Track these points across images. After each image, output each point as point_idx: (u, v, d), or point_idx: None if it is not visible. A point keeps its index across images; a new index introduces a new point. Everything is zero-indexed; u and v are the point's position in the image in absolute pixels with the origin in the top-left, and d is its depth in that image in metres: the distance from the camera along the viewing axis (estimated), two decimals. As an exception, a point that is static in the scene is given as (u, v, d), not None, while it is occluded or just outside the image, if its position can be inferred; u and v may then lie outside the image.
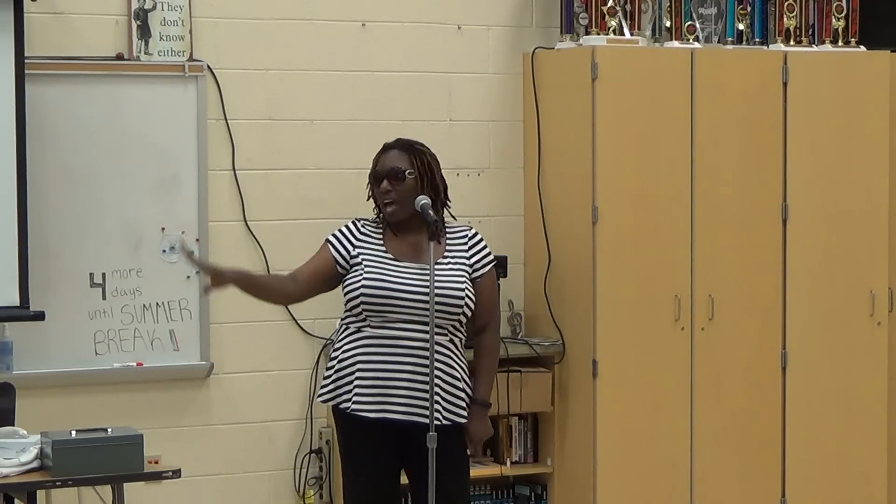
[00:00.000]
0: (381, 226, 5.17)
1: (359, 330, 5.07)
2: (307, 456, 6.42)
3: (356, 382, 5.03)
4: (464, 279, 5.08)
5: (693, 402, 6.46)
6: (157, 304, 6.16)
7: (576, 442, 6.44)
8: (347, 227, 5.20)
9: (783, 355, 6.62)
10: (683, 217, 6.43)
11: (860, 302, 6.73)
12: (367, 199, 5.24)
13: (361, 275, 5.05)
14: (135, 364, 6.12)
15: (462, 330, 5.15)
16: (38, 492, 5.16)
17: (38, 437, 5.00)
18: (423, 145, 5.25)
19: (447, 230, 5.18)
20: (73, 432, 4.96)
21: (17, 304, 5.77)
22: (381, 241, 5.13)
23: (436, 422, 4.95)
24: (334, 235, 5.19)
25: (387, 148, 5.22)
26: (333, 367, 5.11)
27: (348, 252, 5.11)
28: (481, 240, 5.24)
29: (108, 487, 5.06)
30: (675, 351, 6.42)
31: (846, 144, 6.69)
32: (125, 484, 4.99)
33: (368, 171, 5.23)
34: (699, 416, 6.47)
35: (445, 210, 5.23)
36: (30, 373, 5.91)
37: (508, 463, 6.50)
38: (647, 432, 6.39)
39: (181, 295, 6.19)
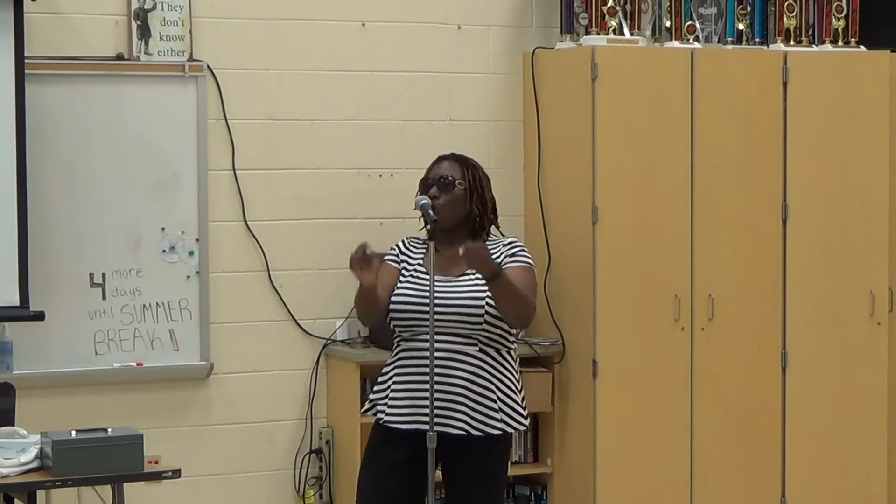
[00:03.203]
0: (425, 243, 5.20)
1: (397, 344, 5.16)
2: (307, 456, 6.42)
3: (390, 395, 5.10)
4: (485, 290, 5.05)
5: (693, 401, 6.46)
6: (157, 304, 6.16)
7: (576, 442, 6.44)
8: (397, 244, 5.29)
9: (783, 355, 6.63)
10: (683, 217, 6.43)
11: (860, 302, 6.73)
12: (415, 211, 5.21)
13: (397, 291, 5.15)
14: (135, 364, 6.12)
15: (503, 340, 5.12)
16: (38, 492, 5.14)
17: (38, 437, 5.00)
18: (475, 162, 5.30)
19: (489, 243, 5.18)
20: (73, 432, 4.96)
21: (17, 304, 5.77)
22: (421, 257, 5.18)
23: (461, 432, 5.00)
24: (388, 254, 5.26)
25: (440, 159, 5.26)
26: (377, 380, 5.23)
27: (398, 267, 5.22)
28: (516, 245, 5.20)
29: (108, 487, 5.05)
30: (675, 351, 6.42)
31: (846, 144, 6.69)
32: (125, 484, 4.99)
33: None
34: (699, 416, 6.47)
35: (494, 227, 5.29)
36: (30, 373, 5.91)
37: (508, 463, 6.48)
38: (647, 432, 6.39)
39: (181, 295, 6.19)
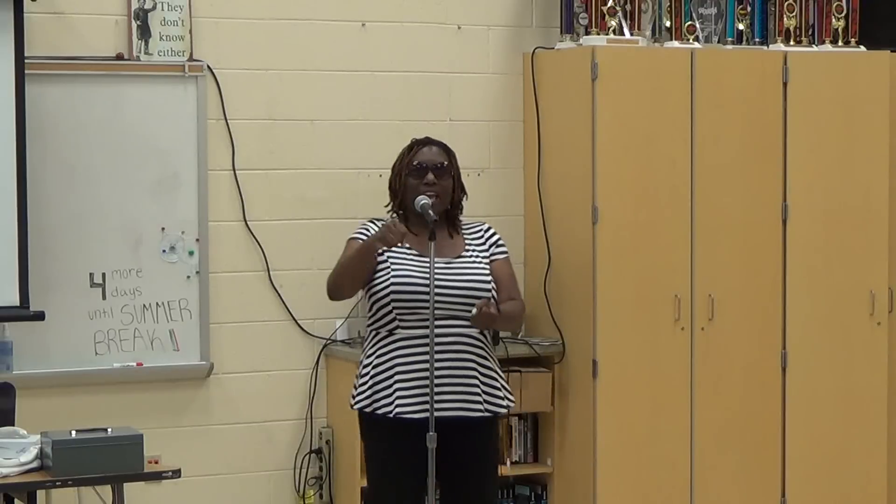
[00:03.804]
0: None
1: (391, 333, 5.07)
2: (307, 456, 6.42)
3: (397, 386, 5.03)
4: (487, 271, 5.10)
5: (693, 402, 6.46)
6: (157, 304, 6.16)
7: (576, 442, 6.44)
8: (367, 227, 5.22)
9: (783, 355, 6.62)
10: (683, 217, 6.43)
11: (860, 302, 6.73)
12: (395, 195, 5.20)
13: (389, 274, 5.03)
14: (135, 364, 6.12)
15: None
16: (38, 492, 5.15)
17: (38, 437, 5.00)
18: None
19: (465, 226, 5.22)
20: (73, 432, 4.96)
21: (17, 304, 5.77)
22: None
23: (480, 414, 5.04)
24: (360, 233, 5.20)
25: (423, 143, 5.24)
26: (368, 373, 5.11)
27: None
28: (495, 232, 5.34)
29: (108, 487, 5.05)
30: (675, 351, 6.42)
31: (846, 144, 6.69)
32: (125, 484, 4.99)
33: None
34: (699, 416, 6.47)
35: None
36: (30, 373, 5.91)
37: (508, 463, 6.49)
38: (647, 432, 6.39)
39: (181, 295, 6.19)
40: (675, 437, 6.43)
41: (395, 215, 5.27)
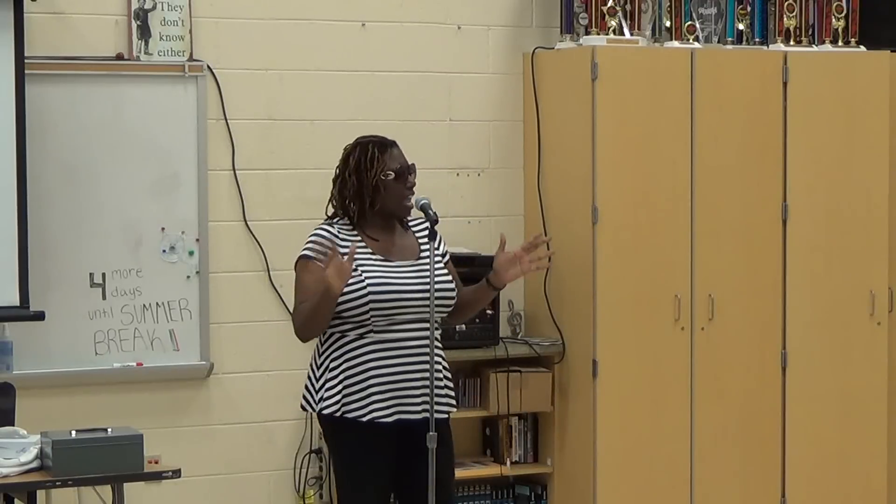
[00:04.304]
0: (353, 229, 5.07)
1: (361, 337, 4.99)
2: (307, 456, 6.42)
3: (371, 390, 4.95)
4: (447, 272, 5.08)
5: (693, 402, 6.46)
6: (157, 304, 6.16)
7: (576, 442, 6.44)
8: (321, 235, 5.05)
9: (783, 355, 6.63)
10: (683, 217, 6.43)
11: (860, 302, 6.73)
12: (373, 200, 5.09)
13: (362, 278, 4.97)
14: (135, 364, 6.12)
15: None
16: (38, 492, 5.15)
17: (38, 437, 5.00)
18: None
19: (412, 226, 5.15)
20: (73, 432, 4.96)
21: (17, 304, 5.77)
22: (363, 243, 5.04)
23: (445, 415, 5.01)
24: (313, 251, 5.01)
25: (389, 144, 5.15)
26: (337, 377, 4.98)
27: None
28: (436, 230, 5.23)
29: (108, 487, 5.06)
30: (675, 351, 6.42)
31: (846, 144, 6.69)
32: (125, 484, 4.99)
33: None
34: (699, 416, 6.47)
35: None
36: (30, 373, 5.91)
37: (508, 463, 6.50)
38: (647, 432, 6.39)
39: (181, 295, 6.19)
40: (675, 437, 6.44)
41: (344, 222, 5.13)
